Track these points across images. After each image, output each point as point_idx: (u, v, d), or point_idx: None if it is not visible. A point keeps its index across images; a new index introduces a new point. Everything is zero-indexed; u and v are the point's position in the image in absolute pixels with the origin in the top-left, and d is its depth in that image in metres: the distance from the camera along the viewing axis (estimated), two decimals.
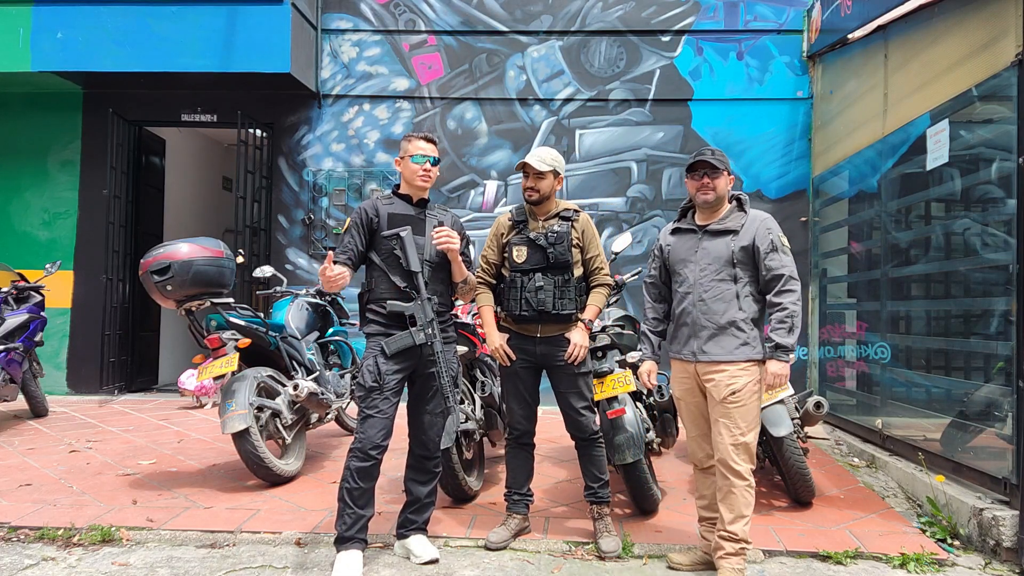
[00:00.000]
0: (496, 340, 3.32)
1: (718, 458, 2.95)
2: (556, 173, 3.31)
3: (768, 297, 2.91)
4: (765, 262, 2.89)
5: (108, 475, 4.31)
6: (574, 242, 3.28)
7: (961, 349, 4.42)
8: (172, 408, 6.53)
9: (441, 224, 3.17)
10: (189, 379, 6.56)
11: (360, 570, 2.92)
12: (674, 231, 3.15)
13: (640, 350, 3.32)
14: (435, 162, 3.17)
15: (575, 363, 3.27)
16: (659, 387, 3.91)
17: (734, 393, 2.86)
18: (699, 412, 3.06)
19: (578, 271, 3.31)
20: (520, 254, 3.28)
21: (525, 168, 3.30)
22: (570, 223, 3.30)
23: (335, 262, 3.07)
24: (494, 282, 3.44)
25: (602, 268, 3.36)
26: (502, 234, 3.40)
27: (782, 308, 2.85)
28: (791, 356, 2.91)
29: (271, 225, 7.22)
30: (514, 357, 3.32)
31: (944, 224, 4.52)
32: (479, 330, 4.31)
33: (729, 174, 3.01)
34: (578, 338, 3.25)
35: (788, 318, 2.83)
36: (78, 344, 7.12)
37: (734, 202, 3.07)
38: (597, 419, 3.46)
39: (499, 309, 3.42)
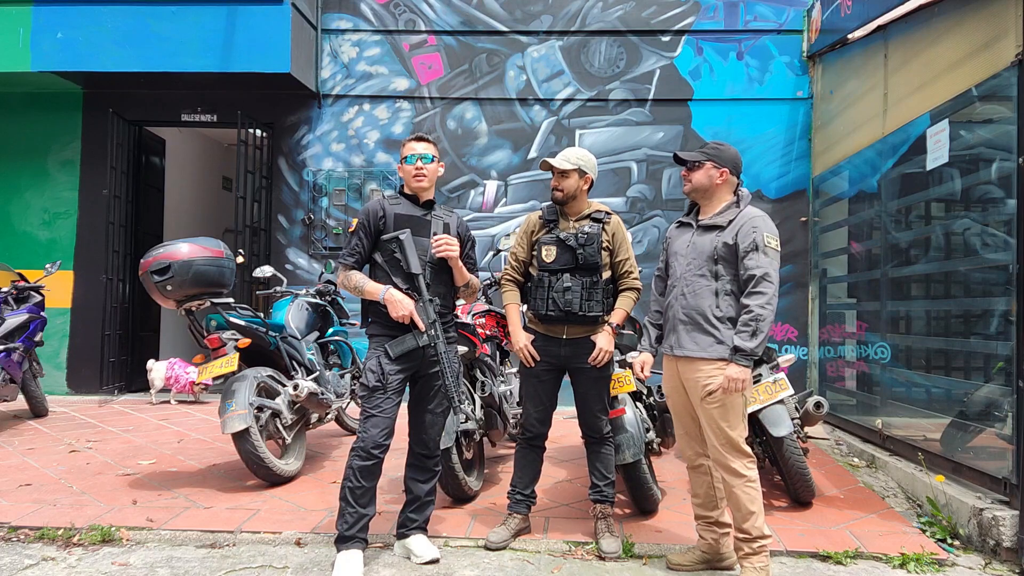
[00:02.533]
0: (521, 340, 3.32)
1: (712, 458, 2.96)
2: (582, 172, 3.30)
3: (741, 298, 2.84)
4: (744, 261, 2.83)
5: (108, 475, 4.31)
6: (604, 244, 3.27)
7: (961, 349, 4.42)
8: (172, 408, 6.52)
9: (447, 226, 3.18)
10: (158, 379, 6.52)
11: (361, 570, 2.92)
12: (678, 225, 3.16)
13: (639, 343, 3.31)
14: (430, 159, 3.15)
15: (598, 366, 3.27)
16: (659, 387, 3.91)
17: (711, 394, 2.85)
18: (684, 410, 3.06)
19: (606, 274, 3.30)
20: (549, 253, 3.27)
21: (549, 167, 3.30)
22: (601, 225, 3.29)
23: (343, 264, 3.08)
24: (522, 280, 3.44)
25: (631, 272, 3.34)
26: (532, 232, 3.39)
27: (748, 311, 2.77)
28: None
29: (271, 225, 7.22)
30: (538, 358, 3.31)
31: (944, 224, 4.52)
32: (479, 330, 4.33)
33: (718, 166, 2.95)
34: (603, 342, 3.24)
35: (753, 321, 2.75)
36: (78, 344, 7.11)
37: (734, 197, 3.02)
38: None
39: (525, 308, 3.41)
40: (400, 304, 2.97)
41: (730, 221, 2.91)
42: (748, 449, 2.91)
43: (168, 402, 6.63)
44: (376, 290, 3.03)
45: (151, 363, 6.60)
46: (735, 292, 2.88)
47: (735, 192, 3.03)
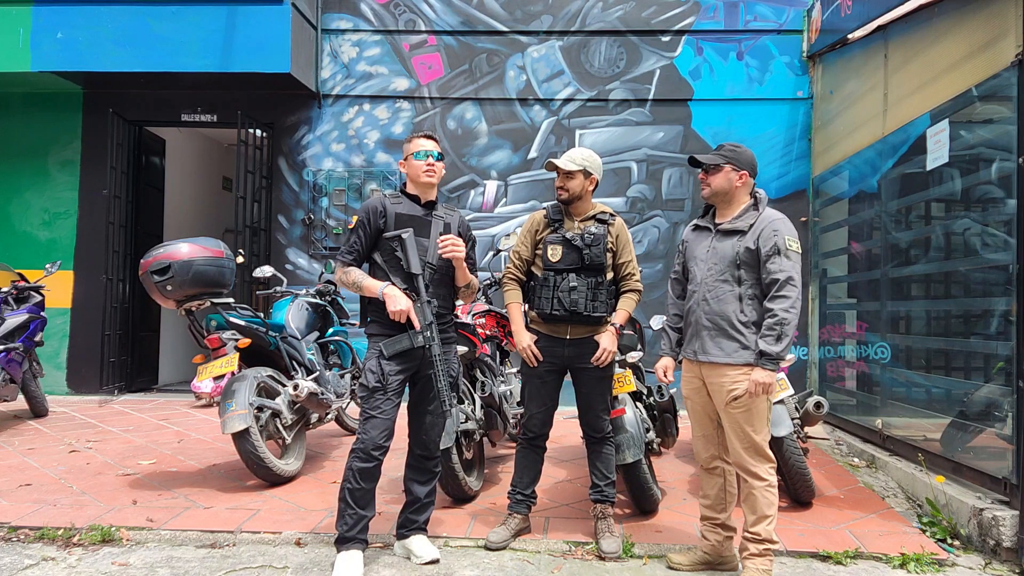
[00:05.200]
0: (524, 340, 3.32)
1: (733, 461, 2.96)
2: (587, 173, 3.30)
3: (764, 302, 2.85)
4: (766, 265, 2.84)
5: (108, 475, 4.31)
6: (608, 246, 3.28)
7: (961, 349, 4.42)
8: (172, 408, 6.52)
9: (447, 226, 3.17)
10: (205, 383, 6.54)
11: (361, 570, 2.92)
12: (694, 228, 3.15)
13: (658, 345, 3.31)
14: (439, 157, 3.16)
15: (602, 366, 3.27)
16: (659, 387, 3.91)
17: (736, 399, 2.85)
18: (704, 412, 3.06)
19: (609, 275, 3.30)
20: (555, 253, 3.27)
21: (555, 167, 3.30)
22: (606, 226, 3.30)
23: (341, 261, 3.08)
24: (524, 279, 3.43)
25: (634, 274, 3.36)
26: (537, 231, 3.39)
27: (772, 314, 2.78)
28: (784, 364, 2.88)
29: (271, 225, 7.22)
30: (541, 358, 3.31)
31: (944, 224, 4.52)
32: (479, 330, 4.33)
33: (737, 169, 2.94)
34: (607, 342, 3.25)
35: (777, 325, 2.76)
36: (78, 344, 7.11)
37: (751, 200, 3.01)
38: None
39: (527, 307, 3.41)
40: (397, 300, 2.96)
41: (751, 225, 2.90)
42: (770, 453, 2.92)
43: (210, 405, 6.58)
44: (374, 285, 3.02)
45: None
46: (758, 296, 2.89)
47: (752, 195, 3.02)
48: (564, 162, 3.29)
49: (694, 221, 3.17)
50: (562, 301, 3.22)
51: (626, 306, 3.33)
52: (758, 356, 2.80)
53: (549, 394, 3.38)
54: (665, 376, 3.19)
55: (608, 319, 3.30)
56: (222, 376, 4.13)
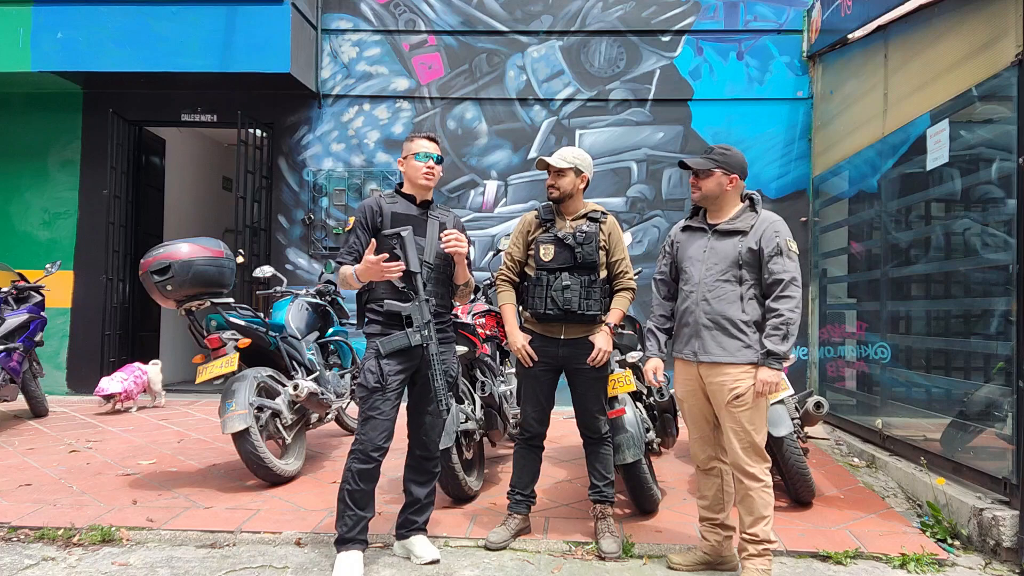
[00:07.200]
0: (519, 340, 3.32)
1: (731, 462, 2.96)
2: (578, 171, 3.31)
3: (767, 302, 2.88)
4: (768, 265, 2.86)
5: (108, 475, 4.31)
6: (600, 243, 3.28)
7: (961, 349, 4.42)
8: (172, 408, 6.52)
9: (443, 225, 3.16)
10: (108, 382, 6.27)
11: (361, 570, 2.92)
12: (684, 228, 3.15)
13: (645, 347, 3.30)
14: (438, 160, 3.16)
15: (597, 366, 3.27)
16: (659, 387, 3.91)
17: (738, 398, 2.85)
18: (701, 414, 3.06)
19: (603, 273, 3.31)
20: (547, 252, 3.28)
21: (546, 165, 3.31)
22: (598, 224, 3.30)
23: (340, 263, 3.07)
24: (517, 280, 3.44)
25: (627, 272, 3.36)
26: (528, 231, 3.40)
27: (778, 314, 2.81)
28: (785, 363, 2.90)
29: (271, 225, 7.22)
30: (536, 358, 3.31)
31: (944, 224, 4.52)
32: (479, 330, 4.33)
33: (728, 172, 2.96)
34: (602, 342, 3.24)
35: (783, 325, 2.79)
36: (78, 344, 7.12)
37: (746, 201, 3.03)
38: None
39: (521, 308, 3.42)
40: (368, 263, 2.85)
41: (751, 226, 2.93)
42: (767, 454, 2.93)
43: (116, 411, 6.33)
44: (348, 271, 2.98)
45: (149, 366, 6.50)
46: (758, 296, 2.92)
47: (747, 197, 3.05)
48: (555, 160, 3.30)
49: (683, 222, 3.18)
50: (555, 300, 3.22)
51: (620, 305, 3.33)
52: (764, 355, 2.82)
53: (544, 394, 3.38)
54: (655, 376, 3.16)
55: (602, 318, 3.30)
56: (221, 376, 4.11)
